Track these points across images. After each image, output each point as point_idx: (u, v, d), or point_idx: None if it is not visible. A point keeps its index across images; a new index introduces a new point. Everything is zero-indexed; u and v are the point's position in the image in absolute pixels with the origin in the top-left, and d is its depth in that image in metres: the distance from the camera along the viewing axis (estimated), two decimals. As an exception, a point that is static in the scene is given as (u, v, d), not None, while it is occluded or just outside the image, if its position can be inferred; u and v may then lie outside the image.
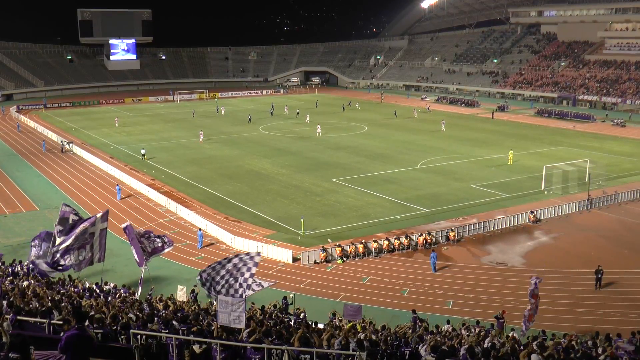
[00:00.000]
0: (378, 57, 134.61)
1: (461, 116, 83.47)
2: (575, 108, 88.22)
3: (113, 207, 41.64)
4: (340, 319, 20.72)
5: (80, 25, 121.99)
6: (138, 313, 16.29)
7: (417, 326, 20.45)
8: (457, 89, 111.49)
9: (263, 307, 22.05)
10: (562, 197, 42.15)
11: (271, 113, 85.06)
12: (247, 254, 20.65)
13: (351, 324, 19.25)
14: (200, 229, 34.97)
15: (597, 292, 27.66)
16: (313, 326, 18.34)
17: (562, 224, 37.49)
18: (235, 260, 19.85)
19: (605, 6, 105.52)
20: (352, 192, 43.95)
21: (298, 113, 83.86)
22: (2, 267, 25.02)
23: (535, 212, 37.71)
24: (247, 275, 19.69)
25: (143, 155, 56.30)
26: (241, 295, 18.60)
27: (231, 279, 19.50)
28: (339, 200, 42.04)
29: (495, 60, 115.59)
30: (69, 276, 25.21)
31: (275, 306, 22.60)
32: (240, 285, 19.46)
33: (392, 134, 68.53)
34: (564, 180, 46.32)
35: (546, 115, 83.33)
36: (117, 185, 45.03)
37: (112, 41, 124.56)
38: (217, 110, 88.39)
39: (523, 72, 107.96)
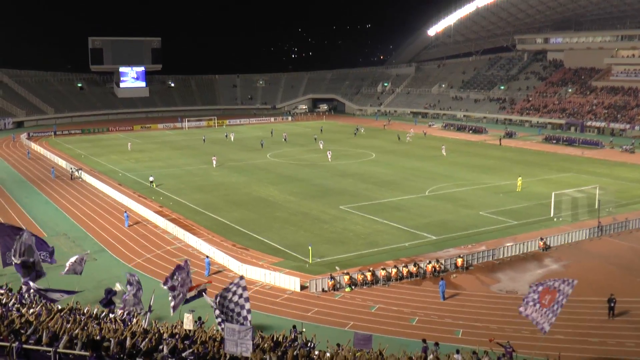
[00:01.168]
0: (385, 84, 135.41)
1: (469, 143, 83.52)
2: (583, 134, 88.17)
3: (120, 233, 41.71)
4: (349, 349, 20.42)
5: (90, 53, 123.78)
6: (145, 341, 16.12)
7: (431, 353, 20.10)
8: (464, 115, 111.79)
9: (273, 336, 21.79)
10: (571, 224, 41.83)
11: (284, 139, 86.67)
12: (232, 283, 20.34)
13: (360, 353, 18.97)
14: (207, 257, 34.86)
15: (610, 322, 27.21)
16: (317, 354, 18.09)
17: (572, 252, 37.12)
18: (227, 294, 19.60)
19: (611, 33, 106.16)
20: (360, 219, 43.81)
21: (315, 139, 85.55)
22: (9, 293, 24.90)
23: (544, 239, 37.39)
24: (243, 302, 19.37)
25: (152, 182, 56.52)
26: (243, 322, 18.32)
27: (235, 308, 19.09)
28: (347, 227, 41.88)
29: (502, 87, 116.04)
30: (77, 302, 25.07)
31: (285, 337, 22.34)
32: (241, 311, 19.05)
33: (400, 160, 68.56)
34: (574, 207, 46.01)
35: (554, 141, 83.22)
36: (125, 212, 45.13)
37: (122, 69, 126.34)
38: (226, 136, 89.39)
39: (530, 99, 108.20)
